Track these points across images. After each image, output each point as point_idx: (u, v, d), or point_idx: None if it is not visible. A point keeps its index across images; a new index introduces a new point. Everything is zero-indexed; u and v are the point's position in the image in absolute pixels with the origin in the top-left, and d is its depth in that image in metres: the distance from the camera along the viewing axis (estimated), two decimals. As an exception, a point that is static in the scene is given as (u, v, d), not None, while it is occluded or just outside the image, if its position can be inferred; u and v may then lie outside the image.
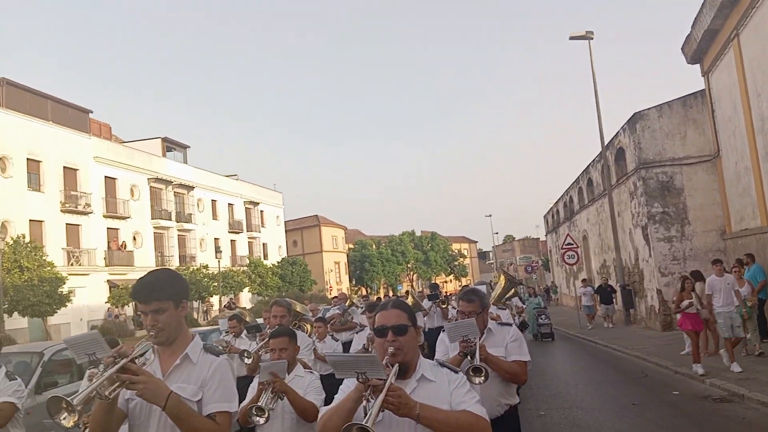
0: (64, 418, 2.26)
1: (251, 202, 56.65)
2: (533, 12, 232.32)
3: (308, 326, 8.41)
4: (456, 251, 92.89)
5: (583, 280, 26.90)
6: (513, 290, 8.94)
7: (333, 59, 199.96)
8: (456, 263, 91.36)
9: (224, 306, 42.38)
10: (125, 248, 39.71)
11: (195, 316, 38.76)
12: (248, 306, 43.54)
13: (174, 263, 43.58)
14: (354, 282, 73.83)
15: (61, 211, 35.17)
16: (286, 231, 64.99)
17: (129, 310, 37.47)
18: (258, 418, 3.65)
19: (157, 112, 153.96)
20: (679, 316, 14.40)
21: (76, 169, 36.69)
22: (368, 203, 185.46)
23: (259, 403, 3.76)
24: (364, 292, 65.21)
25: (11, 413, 4.41)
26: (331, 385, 4.62)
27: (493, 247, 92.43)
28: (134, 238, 41.08)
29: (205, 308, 42.57)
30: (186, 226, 46.03)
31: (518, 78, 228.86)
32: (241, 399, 3.26)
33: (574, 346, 19.89)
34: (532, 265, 61.62)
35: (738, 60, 16.45)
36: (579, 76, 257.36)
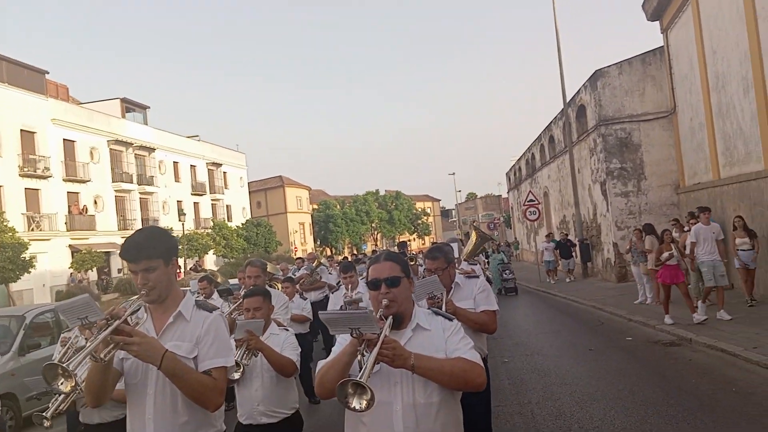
0: (61, 384, 2.26)
1: (214, 164, 56.05)
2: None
3: (278, 285, 8.63)
4: (420, 210, 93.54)
5: (547, 235, 27.19)
6: (482, 246, 9.28)
7: (293, 9, 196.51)
8: (420, 222, 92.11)
9: (190, 269, 42.29)
10: (86, 212, 39.11)
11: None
12: (214, 269, 43.50)
13: (137, 227, 43.01)
14: (319, 242, 74.01)
15: (19, 175, 34.34)
16: (249, 192, 64.48)
17: (93, 274, 37.20)
18: (233, 373, 3.57)
19: (115, 72, 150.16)
20: (635, 265, 15.10)
21: (33, 132, 35.76)
22: (333, 163, 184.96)
23: (235, 358, 3.67)
24: (329, 253, 65.53)
25: None
26: (302, 344, 4.86)
27: (456, 205, 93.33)
28: (95, 202, 40.43)
29: (170, 271, 42.30)
30: (148, 188, 45.36)
31: (482, 36, 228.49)
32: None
33: (535, 299, 20.56)
34: (495, 222, 62.67)
35: (696, 17, 16.80)
36: (542, 34, 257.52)
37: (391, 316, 2.53)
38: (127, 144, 43.71)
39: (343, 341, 2.59)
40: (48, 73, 38.98)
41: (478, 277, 4.69)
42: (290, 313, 7.36)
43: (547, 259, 24.44)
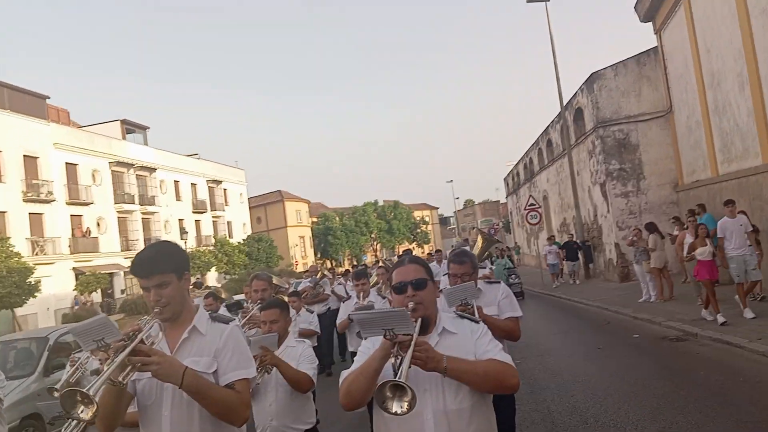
0: (82, 411, 2.14)
1: (214, 181, 56.32)
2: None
3: (284, 298, 8.76)
4: (418, 219, 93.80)
5: (549, 238, 26.93)
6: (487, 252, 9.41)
7: (286, 24, 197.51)
8: (419, 231, 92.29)
9: (192, 285, 42.38)
10: (90, 234, 39.34)
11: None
12: (217, 285, 43.61)
13: (139, 247, 43.23)
14: (319, 255, 74.16)
15: (23, 200, 34.58)
16: (249, 208, 64.79)
17: (96, 296, 37.33)
18: None
19: (113, 94, 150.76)
20: (637, 264, 15.25)
21: (36, 157, 36.04)
22: (331, 176, 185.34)
23: None
24: (329, 265, 65.67)
25: None
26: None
27: (454, 212, 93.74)
28: (98, 224, 40.64)
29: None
30: (150, 208, 45.63)
31: (477, 42, 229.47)
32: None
33: (541, 302, 20.73)
34: (494, 227, 62.79)
35: (688, 18, 17.08)
36: (537, 39, 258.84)
37: (420, 319, 2.45)
38: (128, 165, 43.99)
39: (366, 350, 2.55)
40: (49, 98, 39.36)
41: (499, 282, 4.65)
42: (297, 327, 7.39)
43: (551, 262, 24.18)
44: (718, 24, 15.17)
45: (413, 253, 22.59)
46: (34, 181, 35.56)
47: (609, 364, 9.32)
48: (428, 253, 20.24)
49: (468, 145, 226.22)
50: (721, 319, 10.35)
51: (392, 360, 2.31)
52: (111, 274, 39.30)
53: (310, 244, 73.95)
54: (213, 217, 55.06)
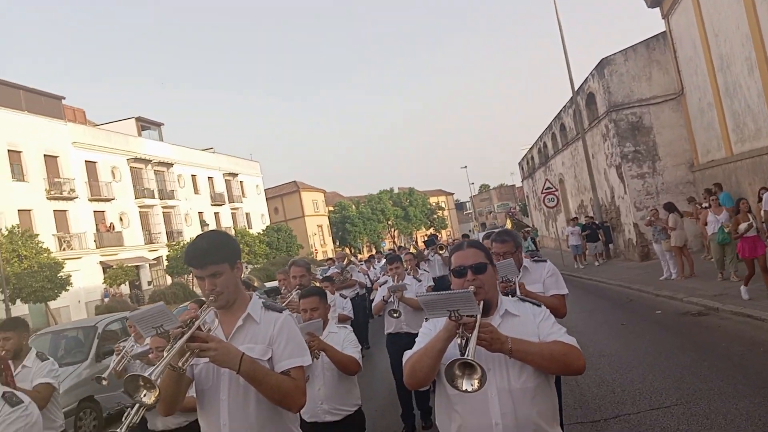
0: (144, 396, 2.22)
1: (230, 174, 57.07)
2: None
3: (315, 284, 9.15)
4: (434, 204, 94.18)
5: (572, 219, 26.62)
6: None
7: (300, 16, 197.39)
8: (435, 216, 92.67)
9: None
10: (114, 229, 40.23)
11: (192, 288, 39.73)
12: (247, 273, 44.28)
13: (162, 240, 44.29)
14: (338, 243, 74.83)
15: (47, 198, 35.52)
16: (267, 199, 65.60)
17: (125, 288, 38.24)
18: None
19: (127, 92, 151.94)
20: (656, 243, 15.61)
21: (56, 156, 36.92)
22: (345, 164, 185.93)
23: None
24: (349, 252, 66.29)
25: (50, 394, 4.42)
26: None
27: (470, 197, 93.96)
28: (121, 219, 41.55)
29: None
30: (169, 202, 46.52)
31: (488, 28, 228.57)
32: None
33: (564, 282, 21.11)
34: (512, 211, 63.22)
35: (695, 2, 17.39)
36: (547, 25, 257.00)
37: (481, 302, 2.44)
38: (145, 161, 44.82)
39: (427, 331, 2.59)
40: (64, 98, 40.06)
41: (545, 261, 4.77)
42: (336, 312, 7.64)
43: (574, 243, 23.97)
44: (725, 9, 15.49)
45: (438, 238, 22.77)
46: (56, 180, 36.45)
47: (633, 339, 9.83)
48: (370, 255, 18.97)
49: (481, 131, 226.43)
50: (745, 294, 10.50)
51: (458, 341, 2.33)
52: (137, 267, 40.26)
53: (328, 233, 74.65)
54: (231, 209, 55.87)
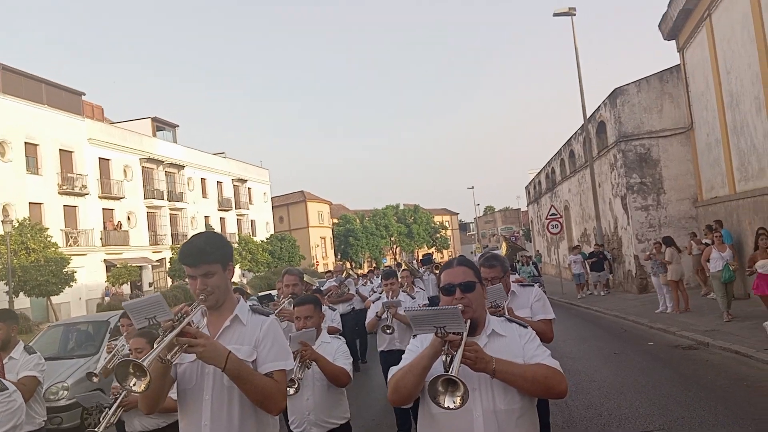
0: (134, 384, 2.22)
1: (239, 180, 57.52)
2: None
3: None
4: (438, 224, 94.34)
5: (575, 247, 26.00)
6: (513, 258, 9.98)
7: (314, 30, 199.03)
8: (438, 235, 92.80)
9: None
10: (120, 228, 40.63)
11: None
12: (242, 281, 44.55)
13: (167, 242, 44.64)
14: (339, 256, 74.90)
15: (58, 193, 36.05)
16: (273, 207, 65.98)
17: (126, 288, 38.50)
18: (288, 389, 3.41)
19: (145, 91, 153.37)
20: (655, 276, 15.80)
21: (71, 152, 37.48)
22: (353, 178, 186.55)
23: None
24: (349, 266, 66.32)
25: (34, 387, 4.45)
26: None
27: (474, 218, 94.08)
28: (128, 218, 41.97)
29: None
30: (178, 204, 46.96)
31: (503, 53, 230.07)
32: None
33: (562, 310, 21.10)
34: (514, 235, 63.35)
35: (710, 38, 17.62)
36: (562, 52, 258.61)
37: (468, 321, 2.45)
38: (158, 162, 45.33)
39: (414, 349, 2.60)
40: (84, 94, 40.69)
41: (533, 285, 4.87)
42: (327, 324, 7.59)
43: (577, 272, 23.42)
44: (738, 48, 15.73)
45: (433, 257, 22.87)
46: (69, 175, 36.95)
47: (623, 367, 10.06)
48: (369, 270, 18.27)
49: (490, 153, 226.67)
50: None
51: (442, 358, 2.34)
52: (140, 267, 40.58)
53: (330, 245, 74.80)
54: (237, 215, 56.25)
